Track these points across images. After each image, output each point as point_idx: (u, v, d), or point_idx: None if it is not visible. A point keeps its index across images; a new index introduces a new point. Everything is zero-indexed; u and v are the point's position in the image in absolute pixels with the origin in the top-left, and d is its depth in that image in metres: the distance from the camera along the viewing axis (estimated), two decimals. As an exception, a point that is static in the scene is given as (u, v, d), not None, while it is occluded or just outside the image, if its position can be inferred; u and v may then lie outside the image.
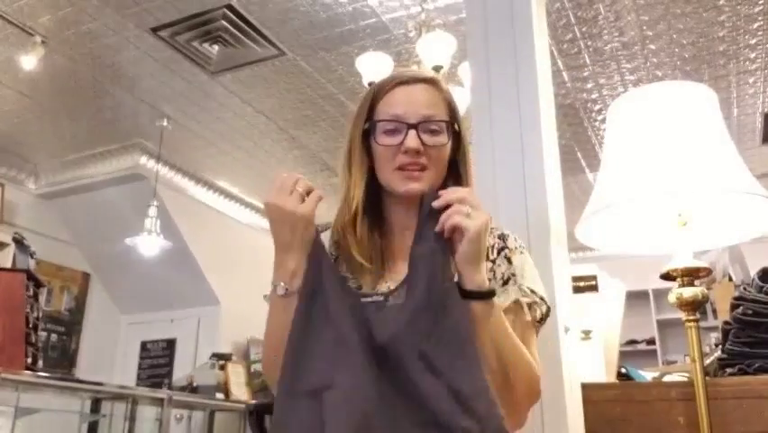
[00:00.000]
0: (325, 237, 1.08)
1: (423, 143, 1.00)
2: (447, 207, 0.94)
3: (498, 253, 1.07)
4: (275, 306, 0.99)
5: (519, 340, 0.98)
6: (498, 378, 0.93)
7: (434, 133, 1.02)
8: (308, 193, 0.98)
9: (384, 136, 1.03)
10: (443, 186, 1.04)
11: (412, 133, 1.00)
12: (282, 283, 0.96)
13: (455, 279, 0.94)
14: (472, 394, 0.86)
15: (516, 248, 1.09)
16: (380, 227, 1.08)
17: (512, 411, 0.95)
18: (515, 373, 0.96)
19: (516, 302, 1.03)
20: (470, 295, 0.92)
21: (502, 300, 1.01)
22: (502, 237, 1.10)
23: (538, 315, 1.05)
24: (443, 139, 1.03)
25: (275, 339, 0.97)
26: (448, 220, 0.93)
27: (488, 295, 0.94)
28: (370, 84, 2.95)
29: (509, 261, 1.07)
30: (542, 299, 1.06)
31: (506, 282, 1.05)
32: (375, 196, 1.07)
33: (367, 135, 1.05)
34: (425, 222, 0.96)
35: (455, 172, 1.07)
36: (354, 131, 1.07)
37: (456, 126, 1.06)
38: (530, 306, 1.04)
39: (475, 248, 0.92)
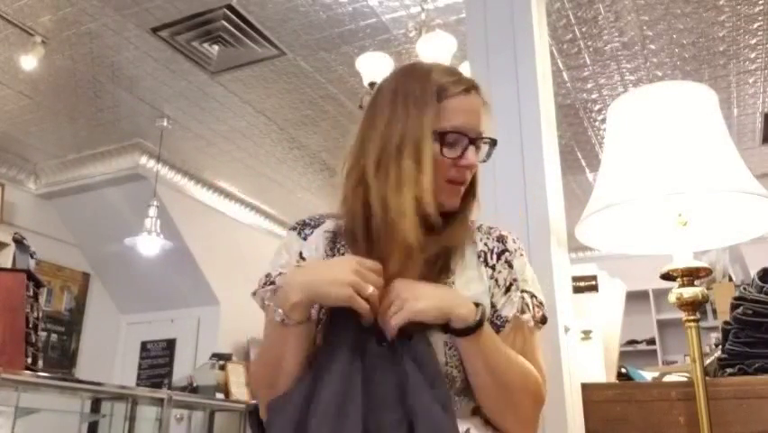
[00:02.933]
0: (318, 235, 1.08)
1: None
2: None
3: (498, 258, 1.04)
4: (273, 328, 0.95)
5: (512, 352, 0.96)
6: (500, 399, 0.93)
7: (478, 149, 1.03)
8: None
9: (446, 147, 1.00)
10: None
11: (472, 148, 1.01)
12: (280, 310, 0.92)
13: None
14: None
15: (515, 250, 1.05)
16: None
17: (524, 426, 0.95)
18: (516, 388, 0.95)
19: (521, 311, 1.01)
20: (460, 333, 0.92)
21: (506, 311, 1.00)
22: (501, 239, 1.06)
23: (539, 318, 1.03)
24: (483, 156, 1.04)
25: (268, 358, 0.98)
26: (392, 321, 0.90)
27: (478, 326, 0.92)
28: (370, 84, 2.95)
29: (510, 265, 1.03)
30: (540, 304, 1.04)
31: (508, 289, 1.02)
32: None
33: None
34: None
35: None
36: (420, 125, 0.99)
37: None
38: (533, 310, 1.02)
39: (436, 313, 0.91)
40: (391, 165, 0.97)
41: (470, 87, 1.04)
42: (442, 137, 1.00)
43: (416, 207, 0.96)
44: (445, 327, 0.93)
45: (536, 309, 1.01)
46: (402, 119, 1.00)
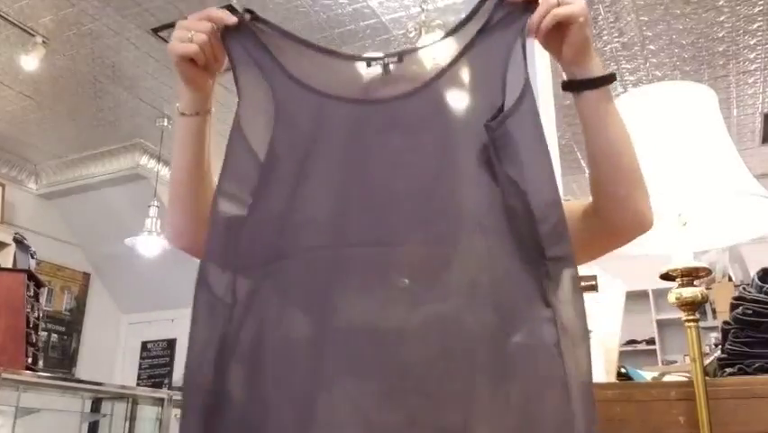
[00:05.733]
0: None
1: None
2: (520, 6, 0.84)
3: None
4: (177, 124, 0.94)
5: None
6: (633, 170, 0.89)
7: None
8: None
9: None
10: None
11: None
12: (178, 103, 0.92)
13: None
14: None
15: None
16: None
17: (649, 208, 0.89)
18: (637, 160, 0.89)
19: None
20: (590, 84, 0.85)
21: None
22: None
23: None
24: None
25: (173, 151, 0.95)
26: (547, 17, 0.82)
27: (610, 78, 0.86)
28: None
29: None
30: None
31: None
32: None
33: None
34: (493, 14, 0.85)
35: None
36: None
37: None
38: None
39: (587, 34, 0.84)
40: None
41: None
42: None
43: None
44: (569, 84, 0.86)
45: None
46: None
